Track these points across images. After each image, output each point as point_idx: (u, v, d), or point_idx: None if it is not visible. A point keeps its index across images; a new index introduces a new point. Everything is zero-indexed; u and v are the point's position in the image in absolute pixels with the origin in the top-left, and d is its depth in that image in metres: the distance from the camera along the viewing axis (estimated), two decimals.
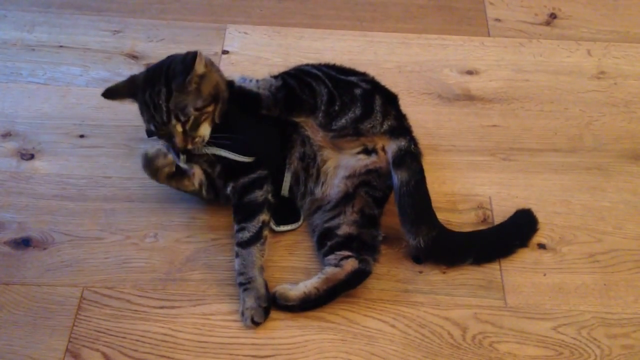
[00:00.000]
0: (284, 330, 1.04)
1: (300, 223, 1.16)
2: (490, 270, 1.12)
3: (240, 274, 1.06)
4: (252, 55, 1.47)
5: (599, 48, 1.51)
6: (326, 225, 1.11)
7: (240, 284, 1.05)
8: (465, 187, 1.22)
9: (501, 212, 1.19)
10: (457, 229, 1.16)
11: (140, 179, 1.22)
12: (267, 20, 1.55)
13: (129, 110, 1.33)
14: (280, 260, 1.12)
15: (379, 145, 1.12)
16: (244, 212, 1.09)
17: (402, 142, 1.11)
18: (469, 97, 1.39)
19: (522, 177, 1.25)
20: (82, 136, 1.30)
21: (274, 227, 1.15)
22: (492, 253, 1.13)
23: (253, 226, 1.07)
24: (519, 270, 1.12)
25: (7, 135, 1.29)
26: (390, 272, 1.11)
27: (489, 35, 1.54)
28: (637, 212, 1.20)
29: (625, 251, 1.15)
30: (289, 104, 1.12)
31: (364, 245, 1.09)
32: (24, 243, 1.13)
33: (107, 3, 1.57)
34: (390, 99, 1.18)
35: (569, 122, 1.35)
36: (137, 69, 1.42)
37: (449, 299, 1.08)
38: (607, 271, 1.12)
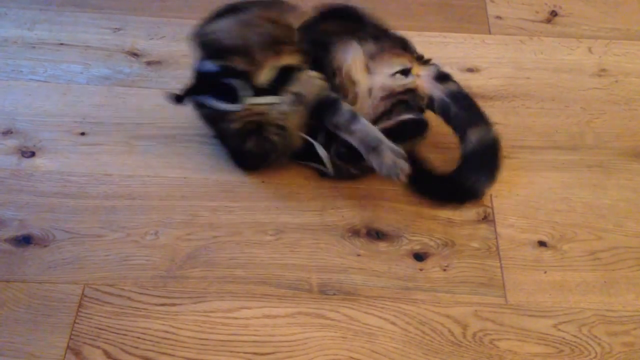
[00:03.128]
0: (284, 327, 1.04)
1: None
2: (491, 268, 1.12)
3: (365, 141, 1.08)
4: None
5: (600, 45, 1.51)
6: None
7: (370, 149, 1.08)
8: None
9: (502, 210, 1.19)
10: (458, 228, 1.16)
11: (140, 177, 1.23)
12: None
13: (130, 108, 1.34)
14: (280, 258, 1.12)
15: (415, 70, 1.18)
16: (330, 107, 1.12)
17: (437, 65, 1.22)
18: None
19: (523, 174, 1.25)
20: (83, 134, 1.30)
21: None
22: None
23: (346, 107, 1.12)
24: (519, 268, 1.12)
25: (7, 132, 1.29)
26: (391, 269, 1.11)
27: (489, 33, 1.54)
28: (638, 209, 1.20)
29: (626, 249, 1.15)
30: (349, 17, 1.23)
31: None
32: (25, 240, 1.13)
33: (108, 1, 1.57)
34: None
35: (570, 119, 1.35)
36: (138, 66, 1.42)
37: (449, 296, 1.08)
38: (608, 269, 1.12)
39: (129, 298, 1.07)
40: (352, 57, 1.19)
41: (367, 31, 1.22)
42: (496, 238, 1.16)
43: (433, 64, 1.24)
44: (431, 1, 1.61)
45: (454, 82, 1.22)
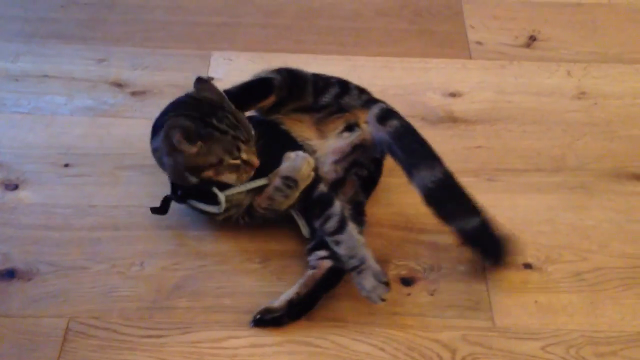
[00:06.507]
0: (272, 356, 1.03)
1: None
2: (478, 291, 1.12)
3: (350, 257, 1.05)
4: (238, 81, 1.46)
5: (578, 69, 1.53)
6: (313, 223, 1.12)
7: (353, 268, 1.05)
8: None
9: None
10: (444, 251, 1.17)
11: (126, 207, 1.22)
12: (251, 46, 1.56)
13: (115, 139, 1.34)
14: (267, 286, 1.12)
15: (361, 120, 1.18)
16: (318, 206, 1.09)
17: (381, 104, 1.21)
18: (452, 119, 1.41)
19: (507, 197, 1.26)
20: (67, 165, 1.29)
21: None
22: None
23: (334, 211, 1.08)
24: (506, 291, 1.12)
25: None
26: None
27: (470, 58, 1.56)
28: (621, 230, 1.22)
29: (610, 269, 1.16)
30: (293, 83, 1.19)
31: None
32: (8, 274, 1.12)
33: (91, 32, 1.57)
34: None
35: (552, 142, 1.37)
36: (122, 97, 1.43)
37: (437, 320, 1.08)
38: (594, 289, 1.13)
39: (114, 331, 1.05)
40: (301, 129, 1.19)
41: (306, 98, 1.21)
42: (482, 261, 1.16)
43: (378, 103, 1.21)
44: (412, 27, 1.63)
45: (397, 118, 1.17)
